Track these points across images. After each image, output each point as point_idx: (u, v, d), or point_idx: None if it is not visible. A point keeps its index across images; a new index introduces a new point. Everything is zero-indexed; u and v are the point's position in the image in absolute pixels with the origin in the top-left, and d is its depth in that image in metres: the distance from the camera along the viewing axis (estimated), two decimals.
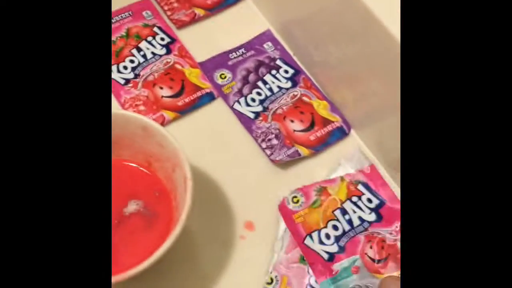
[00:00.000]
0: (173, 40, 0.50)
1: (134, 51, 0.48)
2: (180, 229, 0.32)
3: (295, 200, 0.42)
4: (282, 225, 0.41)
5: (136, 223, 0.37)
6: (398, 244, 0.40)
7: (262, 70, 0.48)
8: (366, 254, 0.40)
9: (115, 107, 0.46)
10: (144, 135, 0.36)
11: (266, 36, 0.51)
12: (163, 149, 0.36)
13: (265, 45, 0.50)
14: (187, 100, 0.46)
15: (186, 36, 0.50)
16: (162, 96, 0.46)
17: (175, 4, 0.52)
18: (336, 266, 0.39)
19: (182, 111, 0.46)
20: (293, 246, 0.40)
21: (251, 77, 0.48)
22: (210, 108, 0.47)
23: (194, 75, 0.48)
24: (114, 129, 0.37)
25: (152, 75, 0.47)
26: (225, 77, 0.48)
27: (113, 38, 0.49)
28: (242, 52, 0.50)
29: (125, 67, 0.48)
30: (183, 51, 0.49)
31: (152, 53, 0.49)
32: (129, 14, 0.51)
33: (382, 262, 0.40)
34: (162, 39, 0.50)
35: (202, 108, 0.47)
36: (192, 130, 0.46)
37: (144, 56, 0.48)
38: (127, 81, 0.47)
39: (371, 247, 0.40)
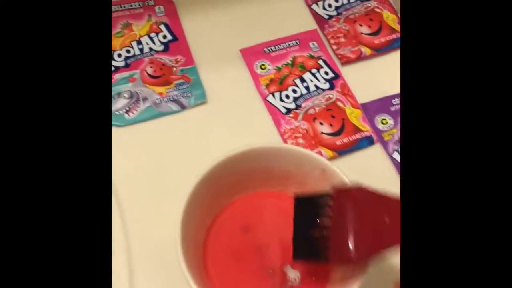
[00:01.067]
0: (337, 75, 0.49)
1: (298, 81, 0.48)
2: None
3: None
4: None
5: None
6: (175, 68, 0.48)
7: None
8: (145, 70, 0.47)
9: (275, 135, 0.46)
10: (320, 177, 0.36)
11: None
12: None
13: None
14: (346, 140, 0.45)
15: (349, 73, 0.49)
16: (322, 132, 0.46)
17: (342, 39, 0.51)
18: (117, 76, 0.47)
19: (340, 151, 0.45)
20: None
21: None
22: (368, 152, 0.46)
23: (354, 116, 0.47)
24: (289, 164, 0.37)
25: (313, 109, 0.47)
26: (386, 122, 0.47)
27: (278, 65, 0.49)
28: None
29: (287, 96, 0.47)
30: (345, 89, 0.48)
31: (315, 86, 0.48)
32: (297, 42, 0.51)
33: (156, 78, 0.47)
34: (326, 73, 0.49)
35: (359, 151, 0.45)
36: (346, 172, 0.44)
37: (307, 88, 0.48)
38: (289, 110, 0.47)
39: (151, 67, 0.47)
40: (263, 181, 0.38)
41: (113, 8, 0.51)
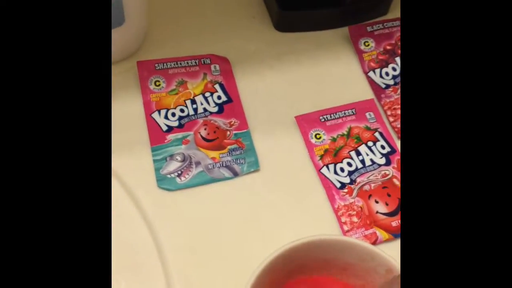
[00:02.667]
0: (394, 150, 0.48)
1: (353, 154, 0.47)
2: None
3: (157, 84, 0.49)
4: None
5: None
6: (229, 131, 0.47)
7: None
8: (199, 133, 0.47)
9: (328, 210, 0.44)
10: (384, 275, 0.34)
11: None
12: None
13: None
14: None
15: None
16: (377, 212, 0.44)
17: (399, 111, 0.50)
18: (170, 136, 0.47)
19: (396, 234, 0.43)
20: None
21: None
22: None
23: None
24: (349, 258, 0.35)
25: (368, 185, 0.46)
26: None
27: (334, 135, 0.48)
28: None
29: (342, 169, 0.46)
30: None
31: (371, 160, 0.47)
32: (353, 112, 0.50)
33: (210, 142, 0.47)
34: (383, 147, 0.48)
35: None
36: None
37: (362, 161, 0.47)
38: (343, 185, 0.45)
39: (205, 129, 0.47)
40: (321, 269, 0.37)
41: (170, 65, 0.50)
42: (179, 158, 0.46)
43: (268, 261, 0.34)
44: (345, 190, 0.45)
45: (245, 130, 0.48)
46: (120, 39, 0.48)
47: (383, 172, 0.46)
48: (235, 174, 0.46)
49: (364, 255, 0.35)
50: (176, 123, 0.47)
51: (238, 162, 0.46)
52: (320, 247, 0.35)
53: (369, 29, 0.55)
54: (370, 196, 0.45)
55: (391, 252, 0.43)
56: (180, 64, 0.50)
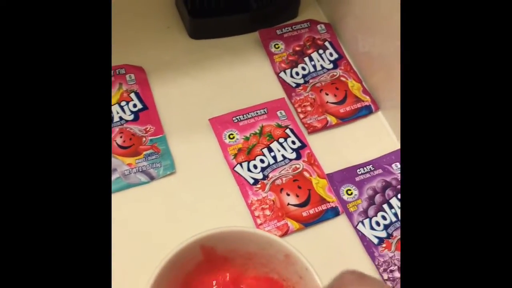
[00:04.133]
0: (304, 145, 0.50)
1: (265, 151, 0.49)
2: None
3: None
4: None
5: None
6: (144, 138, 0.49)
7: (389, 192, 0.48)
8: (115, 141, 0.48)
9: (242, 206, 0.46)
10: (284, 261, 0.36)
11: (395, 156, 0.50)
12: (301, 280, 0.36)
13: (393, 166, 0.50)
14: (312, 212, 0.46)
15: (316, 143, 0.51)
16: (288, 204, 0.47)
17: (309, 108, 0.53)
18: None
19: (306, 223, 0.46)
20: None
21: (377, 198, 0.48)
22: (333, 223, 0.47)
23: (320, 186, 0.48)
24: (252, 247, 0.38)
25: (280, 179, 0.48)
26: (351, 193, 0.48)
27: (246, 134, 0.50)
28: (370, 169, 0.49)
29: (255, 166, 0.48)
30: (312, 158, 0.50)
31: (283, 155, 0.49)
32: (265, 111, 0.52)
33: (126, 149, 0.48)
34: (293, 142, 0.50)
35: (325, 222, 0.46)
36: (312, 244, 0.45)
37: (274, 157, 0.49)
38: (256, 181, 0.48)
39: (121, 137, 0.48)
40: (228, 261, 0.38)
41: None
42: None
43: (174, 252, 0.35)
44: (258, 186, 0.47)
45: (161, 136, 0.49)
46: None
47: (294, 166, 0.49)
48: (152, 178, 0.47)
49: (263, 243, 0.37)
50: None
51: (154, 166, 0.48)
52: (224, 238, 0.37)
53: (278, 32, 0.57)
54: (282, 189, 0.47)
55: (301, 241, 0.45)
56: None
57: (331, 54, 0.57)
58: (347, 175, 0.49)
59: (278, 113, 0.52)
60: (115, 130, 0.49)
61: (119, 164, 0.47)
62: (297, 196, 0.47)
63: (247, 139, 0.50)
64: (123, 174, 0.47)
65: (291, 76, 0.55)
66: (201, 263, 0.38)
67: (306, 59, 0.56)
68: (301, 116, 0.52)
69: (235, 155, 0.49)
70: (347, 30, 0.57)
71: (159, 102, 0.52)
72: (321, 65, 0.56)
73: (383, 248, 0.45)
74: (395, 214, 0.47)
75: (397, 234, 0.46)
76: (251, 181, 0.48)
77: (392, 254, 0.45)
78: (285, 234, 0.45)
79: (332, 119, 0.52)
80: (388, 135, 0.52)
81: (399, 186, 0.49)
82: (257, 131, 0.51)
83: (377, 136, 0.52)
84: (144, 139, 0.49)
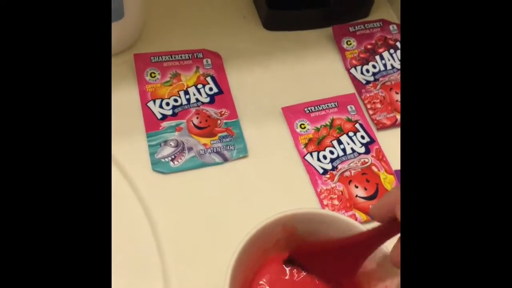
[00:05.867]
0: (373, 140, 0.51)
1: (335, 143, 0.51)
2: None
3: (152, 75, 0.52)
4: None
5: None
6: (220, 120, 0.50)
7: None
8: (191, 121, 0.50)
9: (311, 194, 0.48)
10: None
11: None
12: (379, 267, 0.37)
13: None
14: None
15: (384, 139, 0.52)
16: (356, 195, 0.48)
17: (378, 105, 0.54)
18: (165, 124, 0.50)
19: None
20: None
21: None
22: None
23: (388, 181, 0.49)
24: (332, 232, 0.39)
25: (349, 171, 0.49)
26: None
27: (317, 125, 0.52)
28: None
29: (325, 157, 0.50)
30: (380, 154, 0.51)
31: (352, 149, 0.50)
32: (335, 105, 0.53)
33: (202, 129, 0.50)
34: (363, 137, 0.51)
35: None
36: None
37: (343, 150, 0.50)
38: (325, 171, 0.49)
39: (197, 118, 0.50)
40: (306, 242, 0.40)
41: (164, 58, 0.53)
42: (172, 143, 0.49)
43: (259, 228, 0.37)
44: (327, 176, 0.49)
45: (235, 120, 0.51)
46: (119, 32, 0.51)
47: (362, 160, 0.50)
48: (225, 160, 0.49)
49: (344, 227, 0.38)
50: (170, 112, 0.51)
51: (228, 148, 0.49)
52: (303, 219, 0.38)
53: (351, 29, 0.58)
54: (350, 181, 0.48)
55: None
56: (174, 57, 0.54)
57: None
58: None
59: (348, 107, 0.53)
60: (192, 111, 0.51)
61: (195, 143, 0.49)
62: (365, 189, 0.48)
63: (317, 130, 0.51)
64: (199, 153, 0.48)
65: (362, 73, 0.56)
66: (280, 240, 0.39)
67: (377, 57, 0.57)
68: (371, 112, 0.53)
69: (306, 145, 0.50)
70: None
71: (233, 88, 0.53)
72: (392, 65, 0.57)
73: None
74: None
75: None
76: (321, 170, 0.49)
77: None
78: None
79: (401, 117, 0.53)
80: None
81: None
82: (328, 123, 0.52)
83: None
84: (219, 121, 0.51)
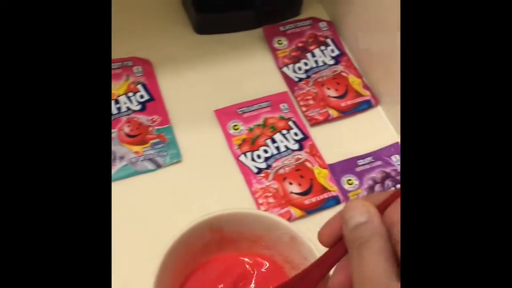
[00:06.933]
0: (306, 137, 0.52)
1: (269, 142, 0.51)
2: None
3: None
4: None
5: None
6: (151, 127, 0.50)
7: (388, 183, 0.50)
8: (122, 129, 0.50)
9: (246, 194, 0.48)
10: (289, 243, 0.38)
11: (394, 148, 0.52)
12: (306, 261, 0.37)
13: (392, 157, 0.51)
14: (314, 200, 0.48)
15: (318, 135, 0.52)
16: (291, 192, 0.48)
17: (311, 102, 0.54)
18: None
19: (309, 211, 0.47)
20: None
21: (377, 188, 0.49)
22: (335, 211, 0.47)
23: (322, 176, 0.49)
24: (259, 229, 0.39)
25: (283, 169, 0.49)
26: (352, 183, 0.49)
27: (250, 126, 0.52)
28: (370, 160, 0.51)
29: (259, 156, 0.50)
30: (314, 150, 0.51)
31: (286, 146, 0.51)
32: (268, 104, 0.53)
33: (133, 137, 0.50)
34: (296, 134, 0.52)
35: (327, 210, 0.48)
36: (314, 231, 0.46)
37: (277, 148, 0.51)
38: (260, 170, 0.49)
39: (128, 126, 0.50)
40: (234, 243, 0.40)
41: None
42: None
43: (183, 232, 0.36)
44: (262, 175, 0.49)
45: (167, 126, 0.51)
46: None
47: (296, 157, 0.50)
48: (158, 166, 0.48)
49: (270, 225, 0.38)
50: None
51: (161, 154, 0.49)
52: (230, 220, 0.38)
53: (282, 29, 0.59)
54: (284, 178, 0.49)
55: (304, 227, 0.46)
56: None
57: (332, 51, 0.59)
58: (347, 166, 0.51)
59: (281, 106, 0.54)
60: (123, 119, 0.50)
61: (127, 151, 0.48)
62: (300, 185, 0.49)
63: (251, 130, 0.52)
64: (131, 162, 0.48)
65: (294, 71, 0.57)
66: (208, 245, 0.39)
67: (309, 55, 0.58)
68: (304, 109, 0.54)
69: (240, 145, 0.50)
70: (348, 28, 0.59)
71: (165, 94, 0.53)
72: (323, 61, 0.58)
73: None
74: None
75: None
76: (255, 170, 0.49)
77: None
78: (288, 220, 0.46)
79: (333, 113, 0.54)
80: (387, 128, 0.54)
81: (398, 177, 0.50)
82: (261, 123, 0.52)
83: (376, 130, 0.54)
84: (151, 128, 0.50)
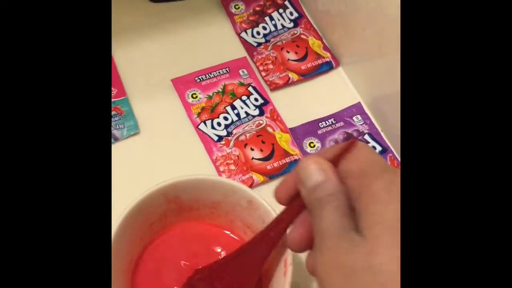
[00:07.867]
0: (266, 102, 0.51)
1: (229, 109, 0.50)
2: None
3: None
4: None
5: None
6: None
7: None
8: None
9: (207, 162, 0.47)
10: (247, 207, 0.37)
11: (356, 108, 0.52)
12: (264, 224, 0.36)
13: (354, 118, 0.51)
14: (276, 165, 0.47)
15: (278, 99, 0.52)
16: (253, 158, 0.47)
17: (270, 66, 0.53)
18: None
19: (271, 176, 0.47)
20: None
21: None
22: None
23: (284, 140, 0.49)
24: (216, 195, 0.38)
25: (244, 135, 0.49)
26: (314, 146, 0.49)
27: (209, 93, 0.51)
28: (332, 122, 0.51)
29: (219, 124, 0.49)
30: (275, 114, 0.50)
31: (246, 112, 0.50)
32: (227, 70, 0.52)
33: None
34: (256, 99, 0.51)
35: None
36: None
37: (237, 115, 0.50)
38: (220, 138, 0.48)
39: None
40: (193, 211, 0.39)
41: None
42: None
43: (138, 200, 0.36)
44: (223, 142, 0.48)
45: (123, 98, 0.49)
46: None
47: (257, 122, 0.50)
48: (116, 139, 0.47)
49: (227, 190, 0.38)
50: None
51: (118, 127, 0.48)
52: (187, 187, 0.38)
53: None
54: (246, 145, 0.48)
55: (267, 192, 0.46)
56: None
57: (291, 13, 0.57)
58: (309, 129, 0.50)
59: (240, 71, 0.53)
60: None
61: None
62: (261, 150, 0.48)
63: (210, 98, 0.51)
64: None
65: (252, 35, 0.56)
66: (166, 214, 0.38)
67: (267, 18, 0.56)
68: (263, 74, 0.53)
69: (199, 114, 0.49)
70: None
71: (120, 65, 0.52)
72: (282, 24, 0.56)
73: None
74: None
75: None
76: (215, 138, 0.48)
77: None
78: (250, 186, 0.46)
79: (293, 76, 0.53)
80: (348, 89, 0.53)
81: (360, 137, 0.50)
82: (220, 90, 0.51)
83: (338, 91, 0.53)
84: None
